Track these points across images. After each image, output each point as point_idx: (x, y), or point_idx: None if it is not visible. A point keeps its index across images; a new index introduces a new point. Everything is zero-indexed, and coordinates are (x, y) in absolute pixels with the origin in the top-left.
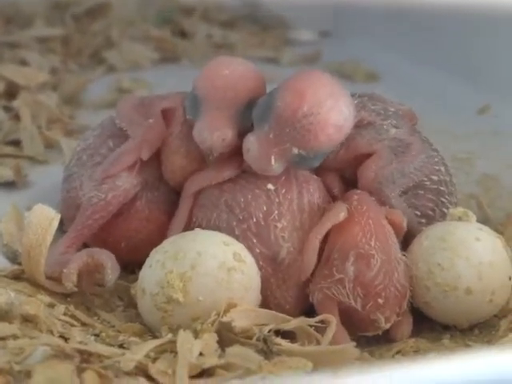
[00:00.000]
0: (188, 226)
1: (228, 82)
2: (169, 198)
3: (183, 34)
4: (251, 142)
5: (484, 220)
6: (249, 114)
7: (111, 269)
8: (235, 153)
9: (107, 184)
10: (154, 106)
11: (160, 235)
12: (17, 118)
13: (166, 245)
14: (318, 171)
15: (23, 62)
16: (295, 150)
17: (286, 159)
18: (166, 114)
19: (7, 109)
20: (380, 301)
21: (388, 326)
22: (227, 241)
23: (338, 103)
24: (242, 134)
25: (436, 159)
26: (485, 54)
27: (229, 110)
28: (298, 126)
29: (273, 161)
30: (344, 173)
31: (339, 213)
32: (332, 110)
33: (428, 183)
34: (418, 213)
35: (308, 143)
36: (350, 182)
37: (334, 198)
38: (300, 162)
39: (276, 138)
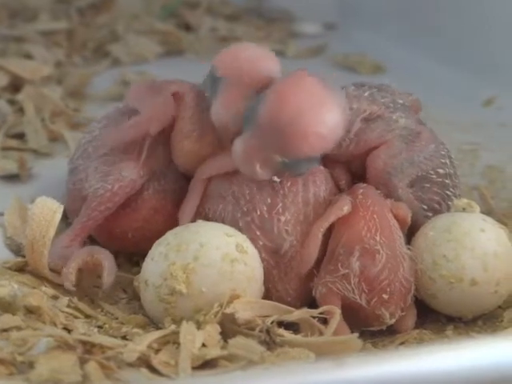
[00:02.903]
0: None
1: (248, 62)
2: (176, 186)
3: (188, 28)
4: (237, 146)
5: (488, 211)
6: None
7: (108, 269)
8: None
9: (113, 175)
10: (164, 89)
11: (167, 225)
12: (21, 111)
13: (169, 237)
14: (326, 163)
15: (28, 56)
16: (278, 158)
17: (270, 166)
18: (175, 98)
19: (12, 102)
20: (385, 296)
21: (393, 321)
22: (230, 232)
23: (321, 113)
24: None
25: (442, 152)
26: (491, 47)
27: (247, 90)
28: (277, 134)
29: (257, 167)
30: (352, 166)
31: (343, 206)
32: (314, 120)
33: (434, 176)
34: (425, 206)
35: (290, 151)
36: (357, 176)
37: (341, 191)
38: (284, 169)
39: (259, 144)
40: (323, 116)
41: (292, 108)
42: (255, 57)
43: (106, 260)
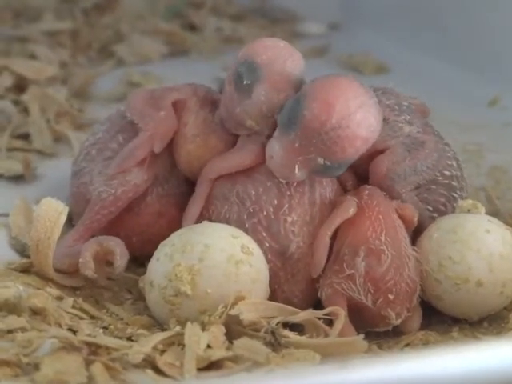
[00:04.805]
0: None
1: (287, 50)
2: (179, 190)
3: (192, 28)
4: (275, 150)
5: (493, 212)
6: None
7: (120, 254)
8: (260, 140)
9: (117, 179)
10: (164, 98)
11: (172, 230)
12: (26, 111)
13: (174, 238)
14: None
15: (32, 56)
16: (320, 160)
17: (310, 168)
18: (177, 106)
19: (16, 102)
20: (390, 296)
21: (399, 321)
22: (235, 233)
23: (367, 115)
24: None
25: (448, 154)
26: (495, 46)
27: (290, 77)
28: (325, 137)
29: (296, 169)
30: (357, 169)
31: (349, 208)
32: (361, 124)
33: (440, 178)
34: (430, 208)
35: (334, 155)
36: (362, 178)
37: (346, 193)
38: (324, 171)
39: (301, 147)
40: (370, 121)
41: (340, 113)
42: (291, 47)
43: (116, 247)
